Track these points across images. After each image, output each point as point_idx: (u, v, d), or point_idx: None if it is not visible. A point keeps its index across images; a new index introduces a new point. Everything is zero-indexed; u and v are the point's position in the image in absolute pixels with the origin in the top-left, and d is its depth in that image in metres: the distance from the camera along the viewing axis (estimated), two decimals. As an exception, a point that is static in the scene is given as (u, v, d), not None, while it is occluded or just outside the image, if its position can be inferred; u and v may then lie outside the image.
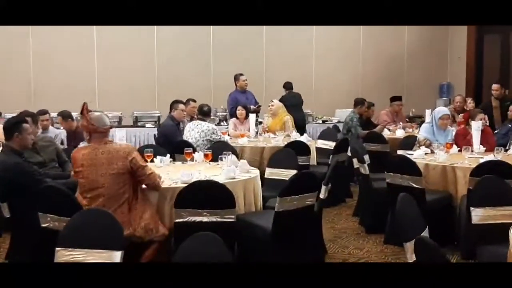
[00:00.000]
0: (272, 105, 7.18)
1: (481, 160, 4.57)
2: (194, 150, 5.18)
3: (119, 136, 4.50)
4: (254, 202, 4.13)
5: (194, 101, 6.90)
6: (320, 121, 9.56)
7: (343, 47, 10.39)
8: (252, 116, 6.89)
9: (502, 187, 3.49)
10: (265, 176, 4.92)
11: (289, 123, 7.14)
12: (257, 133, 7.10)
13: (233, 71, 8.12)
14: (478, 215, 3.40)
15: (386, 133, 7.37)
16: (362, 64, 10.57)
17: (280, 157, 5.05)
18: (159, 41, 9.15)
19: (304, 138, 6.46)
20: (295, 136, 6.59)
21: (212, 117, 6.37)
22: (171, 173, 3.98)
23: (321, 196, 4.18)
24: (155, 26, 9.02)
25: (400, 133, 7.14)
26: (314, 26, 10.11)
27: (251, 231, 3.75)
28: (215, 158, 4.64)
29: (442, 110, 5.75)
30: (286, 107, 8.61)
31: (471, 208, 3.42)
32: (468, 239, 4.14)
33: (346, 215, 5.81)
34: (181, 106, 6.32)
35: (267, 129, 7.05)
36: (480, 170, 4.26)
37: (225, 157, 4.48)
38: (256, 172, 4.33)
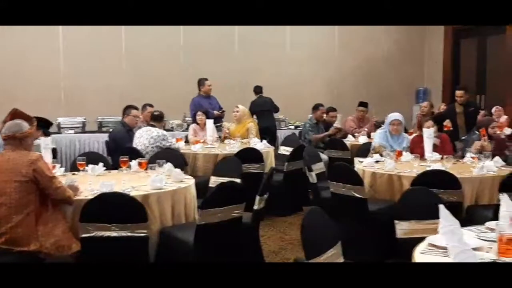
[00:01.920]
0: (237, 111, 7.01)
1: (428, 169, 4.40)
2: (141, 157, 5.01)
3: (43, 144, 4.30)
4: (185, 213, 3.95)
5: (151, 106, 6.72)
6: (293, 127, 9.37)
7: (318, 51, 10.20)
8: (210, 122, 6.71)
9: (430, 199, 3.30)
10: (209, 185, 4.74)
11: (253, 129, 6.96)
12: (219, 138, 6.93)
13: (203, 75, 7.93)
14: (402, 228, 3.21)
15: (350, 140, 7.20)
16: (337, 68, 10.37)
17: (225, 165, 4.87)
18: (126, 44, 8.97)
19: (262, 145, 6.29)
20: (254, 142, 6.41)
21: (164, 122, 6.16)
22: (93, 184, 3.79)
23: (255, 207, 4.00)
24: (122, 28, 8.83)
25: (363, 140, 6.95)
26: (288, 28, 9.94)
27: (173, 245, 3.57)
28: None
29: (393, 115, 5.59)
30: (256, 112, 8.48)
31: (395, 222, 3.23)
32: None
33: (299, 224, 5.58)
34: (134, 111, 6.14)
35: (227, 135, 6.88)
36: (420, 180, 4.10)
37: (159, 166, 4.30)
38: (190, 181, 4.15)
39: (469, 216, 4.26)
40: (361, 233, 4.35)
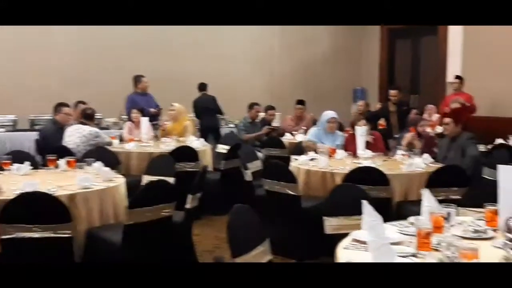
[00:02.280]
0: (173, 110, 6.90)
1: (358, 166, 4.48)
2: (72, 156, 4.84)
3: None
4: (114, 213, 3.84)
5: (84, 103, 6.53)
6: (233, 125, 9.33)
7: (258, 50, 10.21)
8: (145, 120, 6.58)
9: (358, 195, 3.35)
10: (141, 184, 4.64)
11: (190, 127, 6.88)
12: (156, 137, 6.82)
13: (141, 72, 7.76)
14: (331, 224, 3.25)
15: (288, 138, 7.24)
16: (277, 68, 10.44)
17: (157, 164, 4.78)
18: (60, 41, 8.65)
19: (198, 143, 6.23)
20: (190, 141, 6.34)
21: (99, 121, 6.00)
22: (17, 183, 3.62)
23: (187, 205, 3.94)
24: (54, 26, 8.50)
25: (301, 138, 7.01)
26: (227, 26, 9.90)
27: (100, 246, 3.46)
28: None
29: (329, 113, 5.68)
30: (200, 110, 8.40)
31: (324, 218, 3.27)
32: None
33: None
34: (66, 109, 5.93)
35: (162, 133, 6.77)
36: (351, 177, 4.17)
37: (88, 165, 4.17)
38: (119, 180, 4.04)
39: (399, 211, 4.36)
40: (294, 230, 4.39)
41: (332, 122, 5.57)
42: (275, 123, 7.39)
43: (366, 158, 5.07)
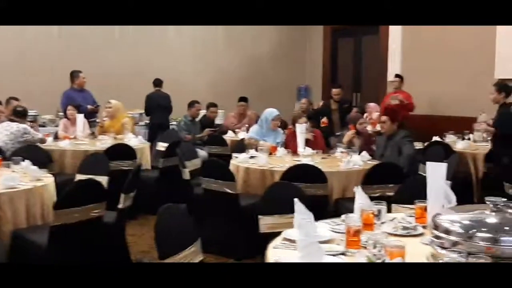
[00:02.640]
0: (110, 107, 6.70)
1: (296, 164, 4.47)
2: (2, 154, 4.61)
3: None
4: (42, 214, 3.66)
5: (17, 99, 6.23)
6: (176, 122, 9.17)
7: (202, 46, 10.06)
8: (80, 117, 6.36)
9: (293, 193, 3.32)
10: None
11: (128, 125, 6.70)
12: (93, 134, 6.60)
13: (80, 68, 7.49)
14: (266, 223, 3.21)
15: (230, 135, 7.18)
16: (222, 65, 10.33)
17: (90, 162, 4.61)
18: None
19: (136, 141, 6.07)
20: (128, 138, 6.17)
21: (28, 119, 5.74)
22: None
23: (120, 205, 3.81)
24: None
25: (243, 135, 6.97)
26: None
27: (26, 247, 3.29)
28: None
29: (273, 111, 5.65)
30: (152, 107, 8.20)
31: (259, 217, 3.22)
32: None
33: (174, 222, 5.47)
34: (-2, 106, 5.65)
35: (99, 130, 6.57)
36: (289, 174, 4.15)
37: (15, 163, 3.96)
38: (48, 180, 3.86)
39: (337, 208, 4.38)
40: (233, 229, 4.33)
41: (277, 120, 5.56)
42: (218, 121, 7.30)
43: (305, 155, 5.08)
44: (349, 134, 5.64)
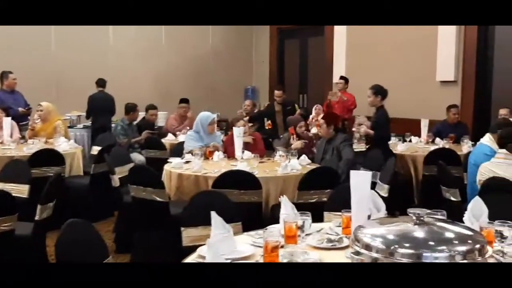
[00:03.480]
0: (41, 109, 6.31)
1: (230, 170, 4.28)
2: None
3: None
4: None
5: None
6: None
7: (143, 45, 9.72)
8: (8, 120, 5.97)
9: (221, 202, 3.13)
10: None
11: (60, 128, 6.34)
12: (23, 138, 6.21)
13: (11, 68, 7.06)
14: (189, 236, 2.99)
15: (170, 138, 6.92)
16: (165, 64, 10.03)
17: (10, 169, 4.27)
18: None
19: (67, 145, 5.74)
20: (59, 142, 5.82)
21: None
22: None
23: (36, 217, 3.52)
24: None
25: (183, 138, 6.72)
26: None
27: None
28: None
29: (209, 115, 5.42)
30: (93, 107, 7.83)
31: (181, 229, 3.01)
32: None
33: (106, 231, 5.19)
34: None
35: (30, 134, 6.19)
36: (220, 181, 3.96)
37: None
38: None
39: (273, 215, 4.21)
40: (163, 238, 4.09)
41: (214, 123, 5.35)
42: (159, 123, 7.03)
43: (243, 160, 4.90)
44: (297, 143, 5.47)
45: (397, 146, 6.30)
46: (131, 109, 6.87)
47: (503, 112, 6.53)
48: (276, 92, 7.74)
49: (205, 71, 10.53)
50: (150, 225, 4.13)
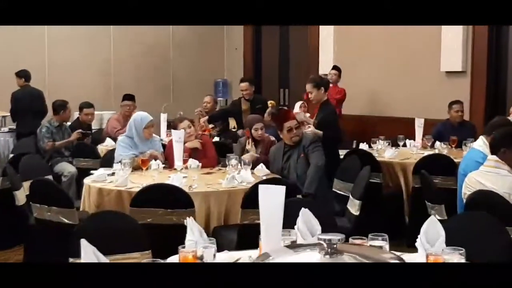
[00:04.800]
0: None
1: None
2: None
3: None
4: None
5: None
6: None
7: (86, 30, 9.52)
8: None
9: (124, 226, 3.00)
10: None
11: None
12: None
13: None
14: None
15: (109, 144, 6.77)
16: (114, 53, 9.90)
17: None
18: None
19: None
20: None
21: None
22: None
23: None
24: None
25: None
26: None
27: None
28: None
29: (146, 117, 5.25)
30: (18, 107, 7.69)
31: (70, 259, 2.87)
32: None
33: (16, 260, 5.05)
34: None
35: None
36: (140, 198, 3.85)
37: None
38: None
39: (216, 240, 4.08)
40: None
41: (150, 127, 5.20)
42: (95, 126, 6.89)
43: (183, 171, 4.78)
44: (246, 156, 5.30)
45: (385, 152, 6.18)
46: (60, 107, 6.70)
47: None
48: (241, 85, 7.57)
49: (165, 63, 10.42)
50: (59, 253, 3.98)
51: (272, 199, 2.21)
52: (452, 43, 7.81)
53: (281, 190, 2.22)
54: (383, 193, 5.88)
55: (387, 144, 6.59)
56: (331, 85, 8.24)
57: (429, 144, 6.52)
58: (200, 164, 5.10)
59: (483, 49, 7.70)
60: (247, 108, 7.46)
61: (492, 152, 3.80)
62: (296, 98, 9.17)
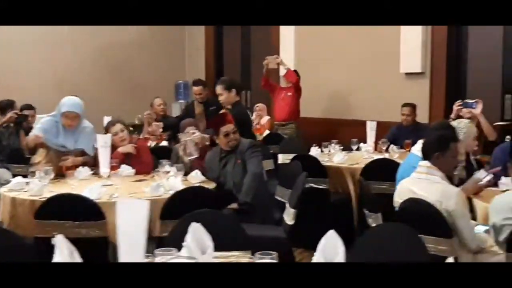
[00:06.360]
0: None
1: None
2: None
3: None
4: None
5: None
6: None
7: (38, 29, 9.18)
8: None
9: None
10: None
11: None
12: None
13: None
14: None
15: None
16: (69, 55, 9.52)
17: None
18: None
19: None
20: None
21: None
22: None
23: None
24: None
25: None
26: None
27: None
28: None
29: (70, 103, 4.80)
30: None
31: None
32: None
33: None
34: None
35: None
36: (45, 210, 3.56)
37: None
38: None
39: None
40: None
41: (70, 117, 4.81)
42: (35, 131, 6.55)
43: (114, 177, 4.51)
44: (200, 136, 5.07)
45: (334, 156, 5.94)
46: (7, 106, 6.52)
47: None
48: (194, 88, 7.32)
49: (124, 64, 10.08)
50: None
51: (132, 212, 1.95)
52: (411, 44, 7.63)
53: (142, 204, 1.96)
54: (331, 199, 5.67)
55: (340, 148, 6.36)
56: (286, 86, 8.05)
57: (384, 148, 6.29)
58: (134, 170, 4.84)
59: (442, 50, 7.53)
60: (200, 110, 7.19)
61: (425, 158, 3.57)
62: (259, 100, 8.95)
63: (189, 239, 2.41)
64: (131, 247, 1.93)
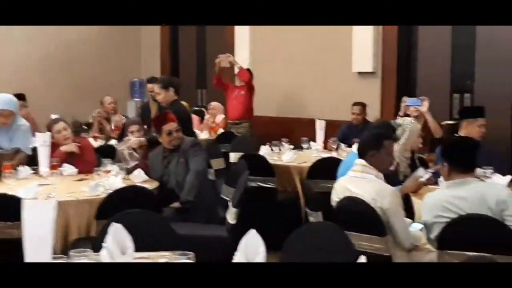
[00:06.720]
0: None
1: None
2: None
3: None
4: None
5: None
6: None
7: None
8: None
9: None
10: None
11: None
12: None
13: None
14: None
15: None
16: (14, 53, 9.30)
17: None
18: None
19: None
20: None
21: None
22: None
23: None
24: None
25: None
26: None
27: None
28: None
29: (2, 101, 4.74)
30: None
31: None
32: None
33: None
34: None
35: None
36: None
37: None
38: None
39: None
40: None
41: (4, 115, 4.67)
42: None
43: (55, 177, 4.42)
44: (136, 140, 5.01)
45: (283, 155, 5.93)
46: None
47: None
48: (149, 86, 7.23)
49: (74, 62, 9.90)
50: None
51: (39, 215, 1.90)
52: (362, 43, 7.68)
53: (49, 205, 1.92)
54: (279, 198, 5.67)
55: (290, 147, 6.36)
56: (240, 85, 8.03)
57: (334, 147, 6.32)
58: (77, 170, 4.76)
59: (392, 49, 7.60)
60: (156, 109, 7.06)
61: (360, 156, 3.59)
62: (214, 99, 8.90)
63: (109, 240, 2.37)
64: (37, 247, 1.89)
